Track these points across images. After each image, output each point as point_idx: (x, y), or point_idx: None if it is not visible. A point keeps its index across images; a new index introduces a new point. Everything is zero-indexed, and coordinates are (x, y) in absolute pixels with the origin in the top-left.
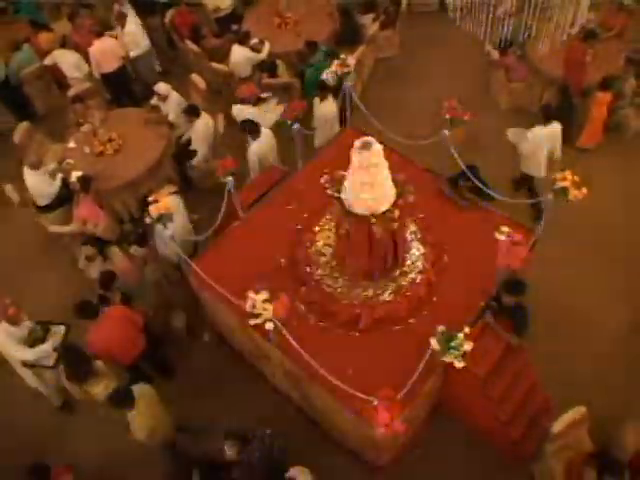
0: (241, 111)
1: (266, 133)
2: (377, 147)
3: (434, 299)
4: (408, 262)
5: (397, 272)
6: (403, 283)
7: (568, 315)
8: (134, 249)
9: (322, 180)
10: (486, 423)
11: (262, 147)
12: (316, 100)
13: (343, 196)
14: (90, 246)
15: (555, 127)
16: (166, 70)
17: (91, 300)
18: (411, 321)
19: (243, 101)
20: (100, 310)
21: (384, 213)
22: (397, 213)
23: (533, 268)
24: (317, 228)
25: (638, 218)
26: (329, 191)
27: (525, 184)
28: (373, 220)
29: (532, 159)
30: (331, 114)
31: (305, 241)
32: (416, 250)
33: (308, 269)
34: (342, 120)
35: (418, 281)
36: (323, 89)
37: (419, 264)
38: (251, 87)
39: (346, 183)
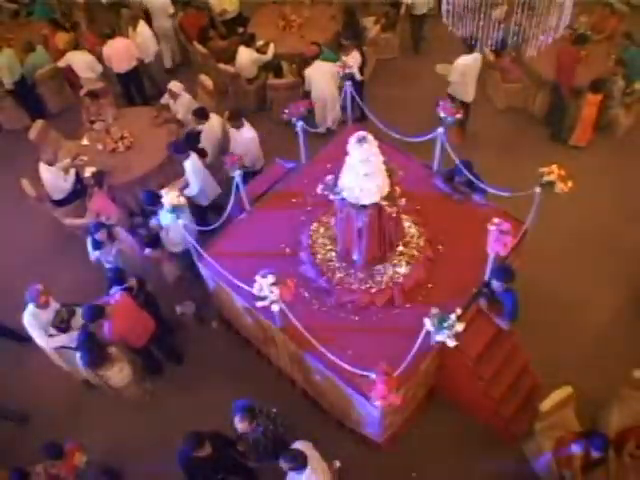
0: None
1: None
2: (371, 139)
3: (429, 286)
4: (405, 231)
5: (401, 245)
6: (411, 252)
7: (558, 303)
8: (147, 252)
9: (319, 190)
10: (479, 403)
11: None
12: (232, 130)
13: (346, 195)
14: (101, 230)
15: (476, 56)
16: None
17: (94, 304)
18: (407, 306)
19: (313, 58)
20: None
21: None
22: (398, 190)
23: (525, 259)
24: (310, 241)
25: (627, 212)
26: (331, 196)
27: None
28: (384, 203)
29: (462, 86)
30: (252, 140)
31: (308, 256)
32: (406, 221)
33: (326, 278)
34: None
35: (422, 244)
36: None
37: (413, 230)
38: (313, 47)
39: (344, 182)
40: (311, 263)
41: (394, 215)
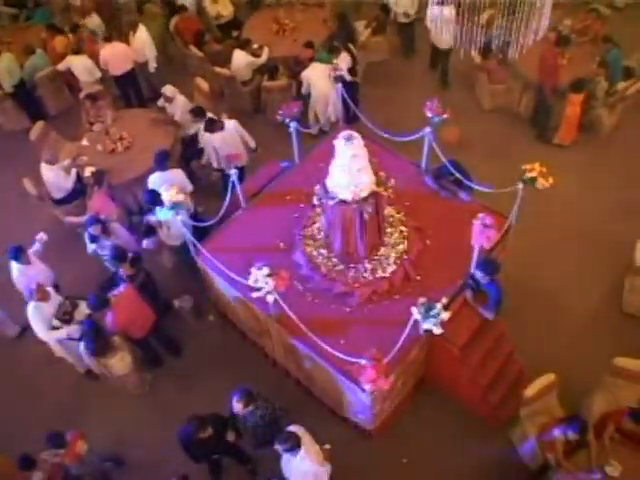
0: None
1: None
2: (357, 135)
3: (417, 278)
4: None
5: (388, 227)
6: (399, 228)
7: (542, 295)
8: (146, 243)
9: (316, 201)
10: (467, 391)
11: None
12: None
13: (342, 196)
14: (95, 225)
15: (446, 10)
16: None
17: (100, 294)
18: (396, 297)
19: (309, 60)
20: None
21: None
22: (383, 174)
23: (510, 253)
24: (307, 258)
25: (609, 209)
26: (331, 202)
27: (438, 60)
28: (381, 189)
29: (433, 34)
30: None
31: (313, 271)
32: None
33: (340, 283)
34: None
35: (404, 218)
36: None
37: (390, 210)
38: (308, 49)
39: (338, 183)
40: (320, 276)
41: (392, 197)
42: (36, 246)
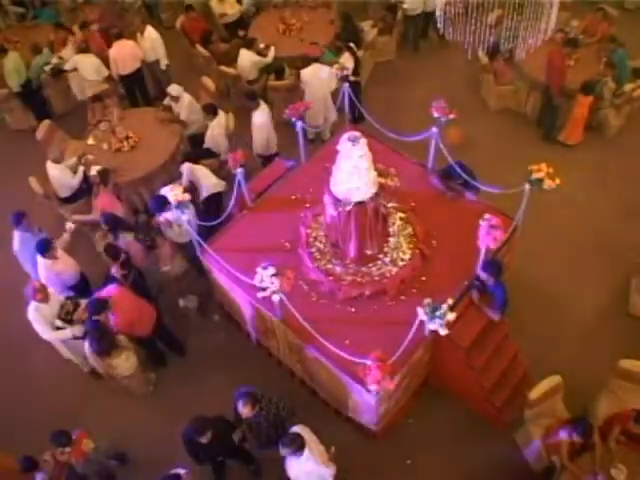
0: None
1: None
2: (360, 134)
3: (423, 278)
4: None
5: (391, 223)
6: (399, 215)
7: (547, 297)
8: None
9: (334, 213)
10: (471, 392)
11: None
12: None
13: (358, 199)
14: (105, 224)
15: None
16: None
17: (98, 297)
18: (402, 298)
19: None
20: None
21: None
22: (381, 165)
23: (516, 255)
24: (323, 274)
25: (614, 211)
26: (348, 207)
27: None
28: (387, 180)
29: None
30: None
31: (335, 285)
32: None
33: (370, 284)
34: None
35: (398, 204)
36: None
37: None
38: (315, 47)
39: (350, 186)
40: (346, 285)
41: (397, 185)
42: (64, 237)
